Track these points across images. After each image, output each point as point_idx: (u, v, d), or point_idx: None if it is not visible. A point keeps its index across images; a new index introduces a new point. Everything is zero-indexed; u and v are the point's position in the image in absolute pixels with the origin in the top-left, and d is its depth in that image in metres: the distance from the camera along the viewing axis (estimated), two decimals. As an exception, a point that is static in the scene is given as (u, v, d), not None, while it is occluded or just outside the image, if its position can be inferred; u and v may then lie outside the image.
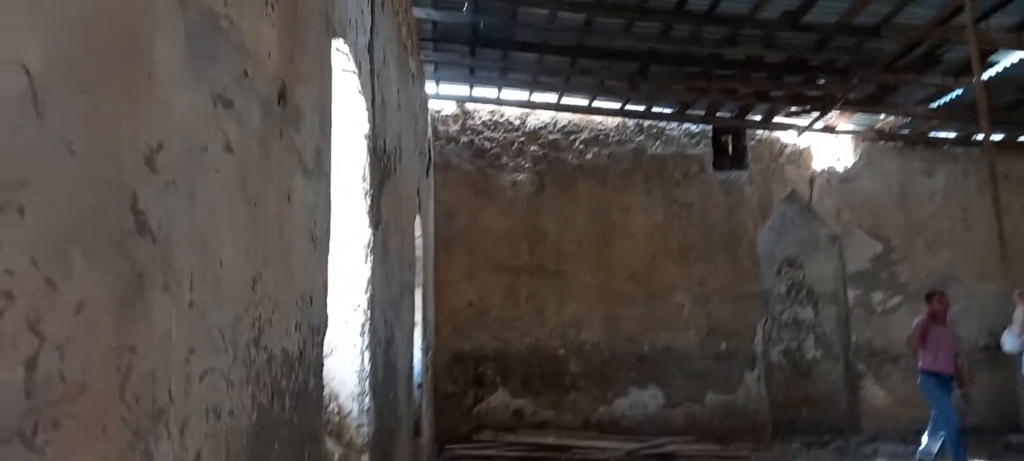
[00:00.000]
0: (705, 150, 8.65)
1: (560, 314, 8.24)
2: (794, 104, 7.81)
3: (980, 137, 7.94)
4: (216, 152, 1.39)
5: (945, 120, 7.89)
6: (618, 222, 8.47)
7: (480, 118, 8.45)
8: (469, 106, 8.45)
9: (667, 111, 8.43)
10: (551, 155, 8.49)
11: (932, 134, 8.49)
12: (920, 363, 6.66)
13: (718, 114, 8.34)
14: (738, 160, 8.61)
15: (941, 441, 6.48)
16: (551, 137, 8.53)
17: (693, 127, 8.65)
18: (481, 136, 8.43)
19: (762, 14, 5.77)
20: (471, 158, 8.42)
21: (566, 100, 8.31)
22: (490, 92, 8.21)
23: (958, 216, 8.56)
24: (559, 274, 8.30)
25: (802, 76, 6.96)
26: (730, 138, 8.62)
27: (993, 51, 6.08)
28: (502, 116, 8.49)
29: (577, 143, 8.56)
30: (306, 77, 2.11)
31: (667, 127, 8.69)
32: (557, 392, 8.15)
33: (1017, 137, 8.41)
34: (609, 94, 8.10)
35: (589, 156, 8.55)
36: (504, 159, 8.43)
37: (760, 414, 8.23)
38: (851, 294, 8.56)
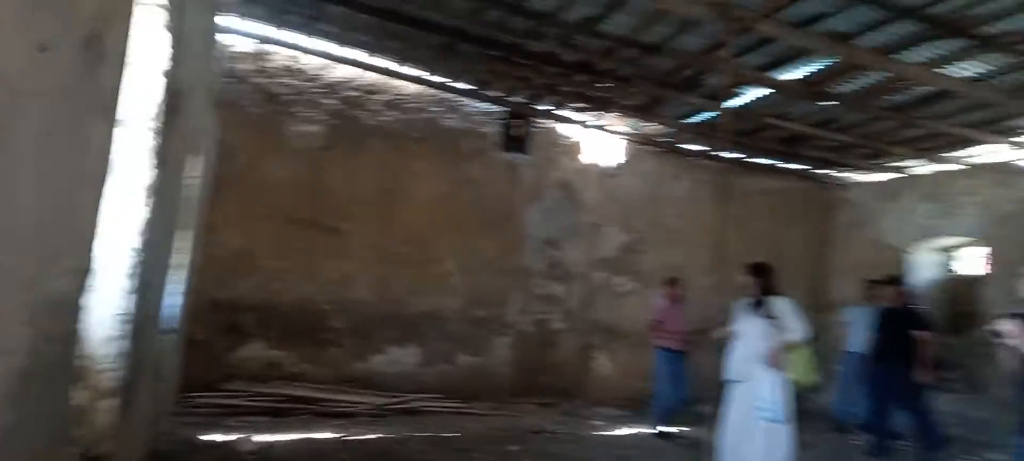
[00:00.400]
0: (495, 131, 9.10)
1: (332, 271, 8.42)
2: (579, 101, 8.53)
3: (718, 155, 9.23)
4: (29, 95, 1.40)
5: (696, 135, 9.05)
6: (405, 187, 8.77)
7: (278, 62, 8.06)
8: (268, 48, 8.00)
9: (467, 88, 8.69)
10: (346, 112, 8.49)
11: (684, 146, 9.57)
12: (657, 339, 7.64)
13: (511, 98, 8.77)
14: (522, 145, 9.26)
15: (672, 404, 7.45)
16: (348, 93, 8.55)
17: (488, 107, 9.03)
18: (276, 80, 8.17)
19: (565, 15, 6.25)
20: (261, 102, 8.16)
21: (371, 60, 8.19)
22: (294, 38, 7.86)
23: (695, 219, 9.86)
24: (337, 231, 8.42)
25: (589, 77, 7.55)
26: (518, 123, 9.10)
27: (741, 84, 7.00)
28: (301, 64, 8.18)
29: (374, 104, 8.57)
30: (114, 16, 2.03)
31: (463, 103, 8.93)
32: (316, 346, 8.34)
33: (745, 159, 9.80)
34: (415, 62, 8.16)
35: (385, 118, 8.75)
36: (296, 108, 8.26)
37: (504, 376, 9.02)
38: (597, 276, 9.56)
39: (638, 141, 10.07)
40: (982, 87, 6.75)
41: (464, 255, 9.22)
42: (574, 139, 9.81)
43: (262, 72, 8.33)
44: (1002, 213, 8.52)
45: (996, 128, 7.91)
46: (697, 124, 9.04)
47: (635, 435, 7.96)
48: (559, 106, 9.19)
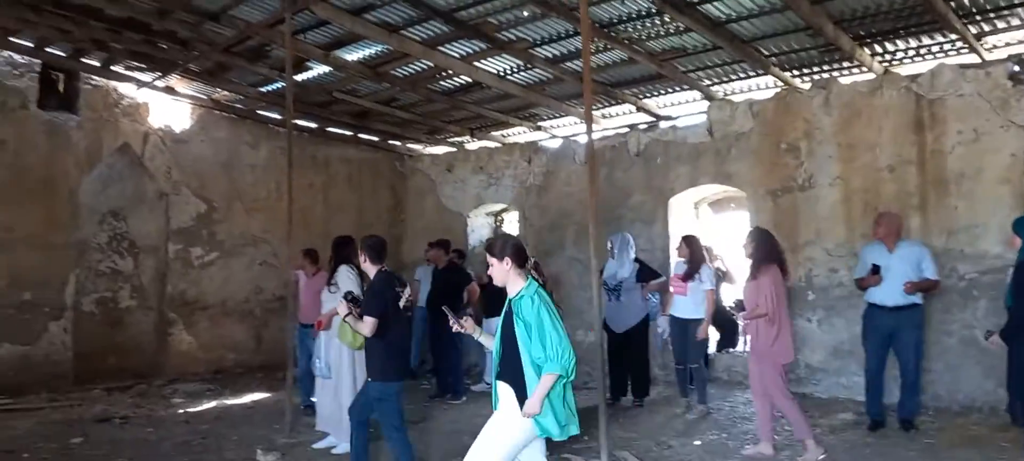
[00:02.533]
0: (29, 84, 7.95)
1: None
2: (134, 60, 7.87)
3: (296, 123, 9.44)
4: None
5: (270, 104, 9.10)
6: None
7: None
8: None
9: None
10: None
11: (260, 113, 9.52)
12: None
13: (49, 49, 7.68)
14: (68, 103, 8.31)
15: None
16: None
17: (17, 57, 7.74)
18: None
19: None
20: None
21: None
22: None
23: (273, 186, 9.92)
24: None
25: (143, 36, 7.05)
26: (61, 77, 8.01)
27: (308, 58, 7.24)
28: None
29: None
30: None
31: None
32: None
33: (325, 128, 10.17)
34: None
35: None
36: None
37: (62, 364, 8.17)
38: (172, 248, 9.20)
39: (209, 106, 9.71)
40: (504, 81, 8.11)
41: (-3, 230, 7.89)
42: (137, 101, 9.04)
43: None
44: (528, 184, 10.35)
45: (521, 115, 9.58)
46: (269, 93, 9.08)
47: (218, 407, 7.82)
48: (112, 62, 8.36)
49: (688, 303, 6.98)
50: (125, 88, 8.92)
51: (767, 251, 5.44)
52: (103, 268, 9.30)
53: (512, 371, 3.39)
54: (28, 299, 8.17)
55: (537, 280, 3.53)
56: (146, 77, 8.71)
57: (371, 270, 4.79)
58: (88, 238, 9.08)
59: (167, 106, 9.35)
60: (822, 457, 5.23)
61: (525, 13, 6.50)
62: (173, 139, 9.46)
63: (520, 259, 3.47)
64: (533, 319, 3.31)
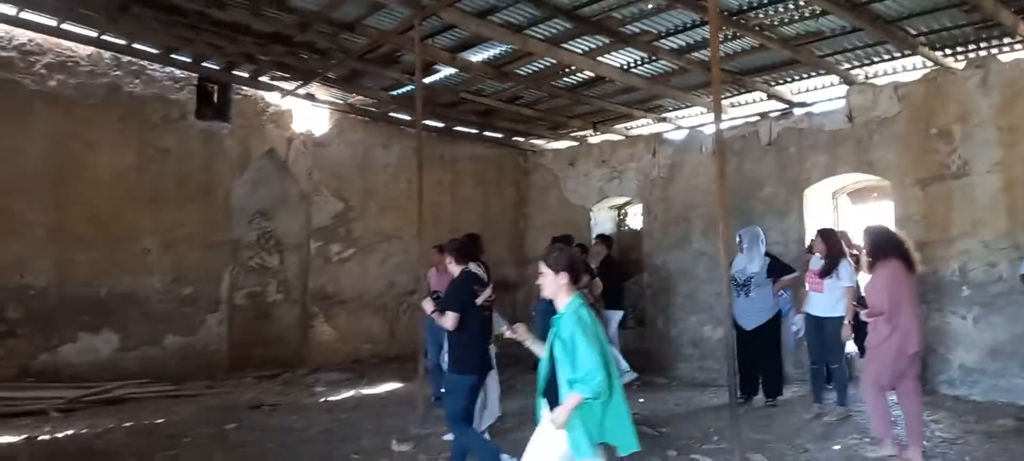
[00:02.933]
0: (188, 97, 8.81)
1: (-1, 255, 7.33)
2: (279, 70, 8.42)
3: (426, 124, 9.78)
4: None
5: (400, 106, 9.46)
6: (82, 159, 8.08)
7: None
8: None
9: (150, 51, 8.11)
10: (2, 76, 7.36)
11: (392, 115, 9.92)
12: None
13: (204, 64, 8.38)
14: (221, 112, 9.04)
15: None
16: (2, 54, 7.37)
17: (178, 72, 8.51)
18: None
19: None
20: None
21: (26, 16, 7.28)
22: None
23: (404, 185, 10.30)
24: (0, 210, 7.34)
25: (287, 48, 7.55)
26: (215, 89, 8.73)
27: (436, 62, 7.49)
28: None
29: (38, 66, 7.62)
30: None
31: (149, 67, 8.31)
32: (-13, 339, 7.29)
33: (452, 127, 10.47)
34: (83, 21, 7.41)
35: (52, 83, 7.83)
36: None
37: (218, 353, 8.86)
38: (313, 245, 9.70)
39: (345, 111, 10.24)
40: (629, 75, 8.02)
41: (162, 231, 8.75)
42: (282, 108, 9.70)
43: None
44: (651, 176, 10.18)
45: (645, 106, 9.44)
46: (400, 96, 9.45)
47: (356, 396, 8.26)
48: (259, 73, 9.01)
49: (825, 300, 6.61)
50: (271, 97, 9.59)
51: (880, 246, 5.32)
52: (253, 264, 10.04)
53: (552, 388, 3.35)
54: (189, 293, 8.97)
55: (586, 297, 3.43)
56: (289, 85, 9.32)
57: (455, 270, 5.12)
58: (240, 237, 9.84)
59: (308, 112, 9.96)
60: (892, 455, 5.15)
61: (650, 5, 6.40)
62: (313, 143, 10.07)
63: (575, 274, 3.39)
64: (568, 338, 3.24)
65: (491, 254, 10.11)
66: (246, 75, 9.16)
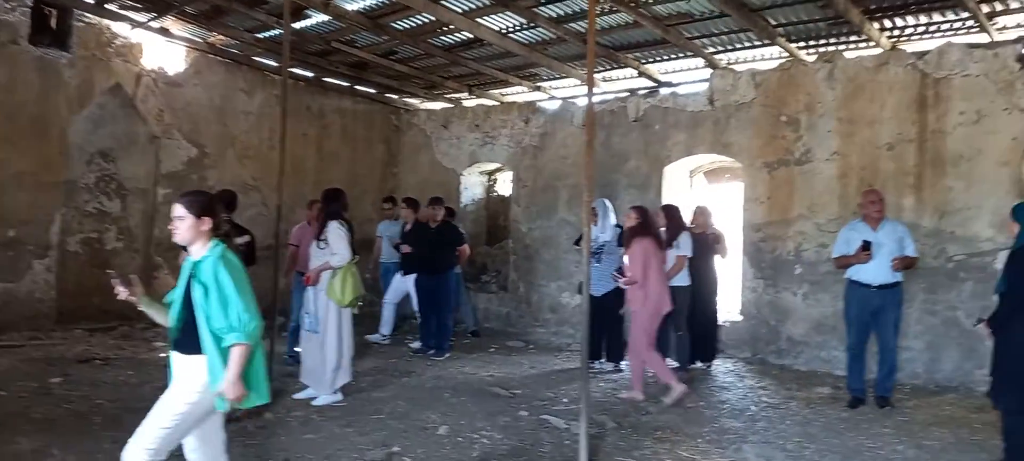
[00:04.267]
0: (21, 19, 7.87)
1: None
2: (129, -1, 7.70)
3: (293, 71, 9.36)
4: None
5: (266, 51, 8.98)
6: None
7: None
8: None
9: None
10: None
11: (256, 59, 9.40)
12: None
13: (41, -18, 7.53)
14: (60, 40, 8.18)
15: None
16: None
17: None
18: None
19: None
20: None
21: None
22: None
23: (267, 135, 9.83)
24: None
25: (139, -26, 6.94)
26: (54, 14, 7.85)
27: (308, 6, 7.12)
28: None
29: None
30: None
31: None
32: None
33: (322, 77, 10.06)
34: None
35: None
36: None
37: (45, 302, 8.16)
38: (161, 192, 9.12)
39: (204, 50, 9.56)
40: (507, 39, 8.01)
41: (-14, 168, 7.80)
42: (131, 41, 8.89)
43: None
44: (523, 144, 10.31)
45: (521, 73, 9.50)
46: (267, 40, 8.94)
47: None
48: (105, 1, 8.19)
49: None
50: (119, 27, 8.74)
51: (643, 225, 6.45)
52: (90, 209, 9.21)
53: (190, 341, 3.09)
54: (13, 236, 8.10)
55: (228, 243, 3.22)
56: (141, 17, 8.53)
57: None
58: (77, 178, 8.98)
59: (161, 48, 9.19)
60: (684, 390, 6.18)
61: (531, -31, 6.41)
62: (166, 82, 9.31)
63: (215, 219, 3.19)
64: (214, 283, 3.01)
65: (357, 212, 9.87)
66: (91, 1, 8.29)
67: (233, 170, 10.03)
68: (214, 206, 3.25)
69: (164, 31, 8.96)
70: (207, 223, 3.16)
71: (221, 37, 9.21)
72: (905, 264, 6.01)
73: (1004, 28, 6.74)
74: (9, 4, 7.91)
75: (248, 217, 10.12)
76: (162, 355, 7.44)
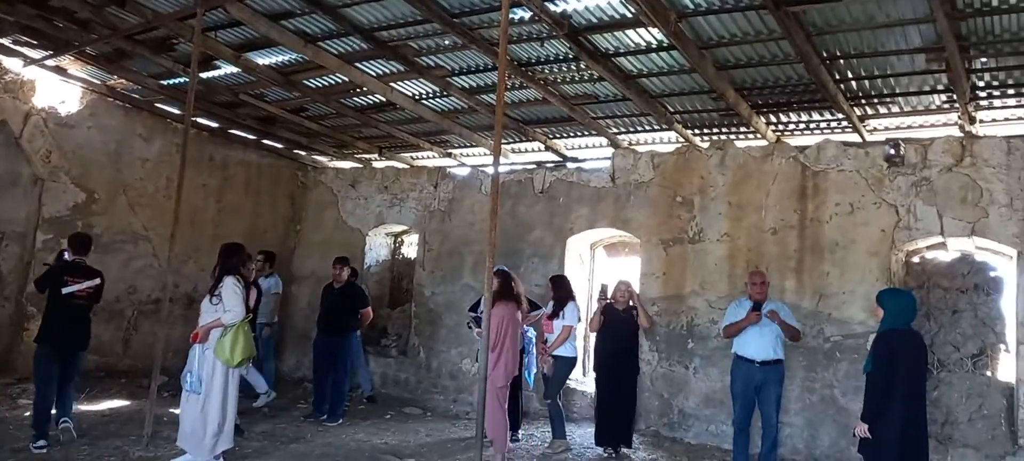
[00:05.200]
0: None
1: None
2: (24, 34, 7.35)
3: (197, 120, 9.13)
4: None
5: (170, 98, 8.75)
6: None
7: None
8: None
9: None
10: None
11: (158, 106, 9.13)
12: None
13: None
14: (-61, 68, 7.48)
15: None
16: None
17: None
18: None
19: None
20: None
21: None
22: None
23: (163, 182, 9.54)
24: None
25: (37, 11, 6.63)
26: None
27: (217, 57, 7.03)
28: None
29: None
30: None
31: None
32: None
33: (227, 129, 9.89)
34: None
35: None
36: None
37: None
38: (41, 238, 8.64)
39: (103, 93, 9.19)
40: (420, 105, 8.14)
41: None
42: (23, 77, 8.44)
43: None
44: (431, 208, 10.37)
45: (432, 139, 9.63)
46: (171, 87, 8.70)
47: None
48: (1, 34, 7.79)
49: (553, 340, 7.30)
50: (10, 62, 8.31)
51: (504, 289, 6.41)
52: (-42, 252, 8.55)
53: None
54: None
55: None
56: (35, 54, 8.14)
57: None
58: (-58, 218, 8.35)
59: (55, 87, 8.77)
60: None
61: (446, 42, 6.58)
62: (57, 122, 8.86)
63: None
64: None
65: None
66: (-20, 33, 7.87)
67: (124, 217, 9.57)
68: None
69: (60, 70, 8.57)
70: None
71: (122, 81, 8.89)
72: (791, 331, 6.41)
73: (875, 130, 7.44)
74: None
75: (135, 268, 9.68)
76: (26, 415, 6.86)
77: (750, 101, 7.12)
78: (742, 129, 7.92)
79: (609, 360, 7.18)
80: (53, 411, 6.22)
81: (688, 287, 8.21)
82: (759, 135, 7.86)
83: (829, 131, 7.65)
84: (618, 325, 7.18)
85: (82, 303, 6.40)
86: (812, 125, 7.61)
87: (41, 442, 5.98)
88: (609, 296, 7.34)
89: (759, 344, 6.34)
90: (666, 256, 8.39)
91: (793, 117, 7.48)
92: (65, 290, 6.23)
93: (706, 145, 8.33)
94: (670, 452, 7.43)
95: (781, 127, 7.77)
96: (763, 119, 7.56)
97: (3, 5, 6.88)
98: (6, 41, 7.95)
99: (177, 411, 6.05)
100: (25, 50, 8.15)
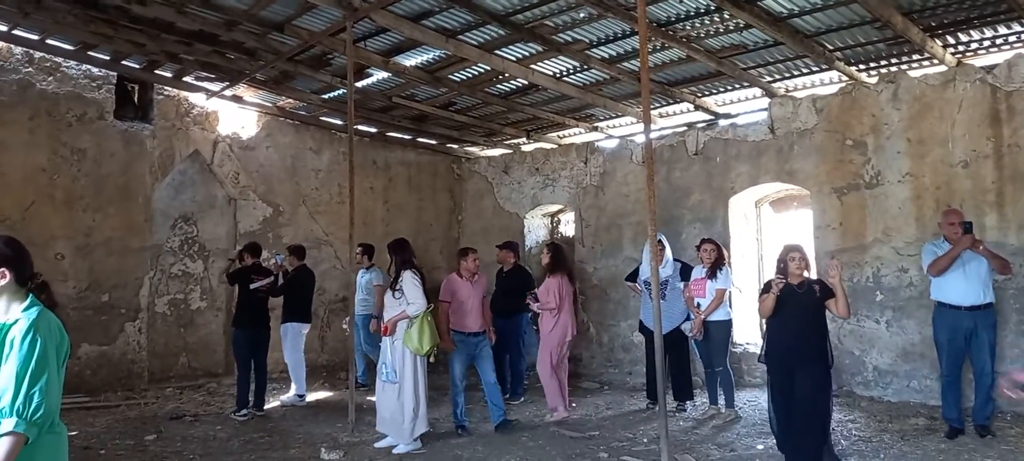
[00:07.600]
0: (107, 96, 8.41)
1: None
2: (204, 70, 8.16)
3: (358, 128, 9.66)
4: None
5: (332, 110, 9.29)
6: None
7: None
8: None
9: (66, 47, 7.72)
10: None
11: (323, 119, 9.75)
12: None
13: (124, 62, 8.04)
14: (143, 112, 8.69)
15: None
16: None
17: (95, 70, 8.13)
18: None
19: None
20: None
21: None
22: None
23: (336, 190, 10.13)
24: None
25: (212, 47, 7.31)
26: (136, 89, 8.37)
27: (369, 65, 7.40)
28: None
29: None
30: None
31: (64, 64, 7.94)
32: None
33: (384, 133, 10.36)
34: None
35: (-46, 78, 7.27)
36: None
37: (137, 363, 8.50)
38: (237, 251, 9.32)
39: (274, 114, 10.00)
40: (561, 83, 8.10)
41: (77, 235, 8.32)
42: (207, 109, 9.38)
43: None
44: (584, 184, 10.31)
45: (577, 115, 9.55)
46: (332, 100, 9.28)
47: (283, 405, 8.09)
48: (183, 72, 8.69)
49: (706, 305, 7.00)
50: (195, 98, 9.27)
51: (556, 262, 7.31)
52: (175, 271, 9.66)
53: None
54: (106, 301, 8.55)
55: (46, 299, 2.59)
56: (215, 87, 9.03)
57: None
58: (162, 242, 9.46)
59: (235, 114, 9.68)
60: (567, 413, 7.07)
61: (582, 14, 6.47)
62: (240, 146, 9.78)
63: (20, 273, 2.51)
64: (12, 350, 2.35)
65: (426, 260, 10.02)
66: (169, 75, 8.81)
67: (306, 226, 10.38)
68: (15, 256, 2.53)
69: (237, 98, 9.44)
70: (6, 277, 2.48)
71: (290, 100, 9.62)
72: (1001, 265, 5.74)
73: (1079, 34, 6.43)
74: (95, 83, 8.49)
75: (322, 271, 10.48)
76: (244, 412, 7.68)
77: (921, 24, 6.37)
78: (915, 57, 7.12)
79: (788, 357, 4.93)
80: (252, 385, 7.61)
81: (870, 236, 7.55)
82: (936, 61, 7.03)
83: (1020, 44, 6.68)
84: (799, 310, 4.87)
85: (262, 295, 7.77)
86: (998, 40, 6.68)
87: (243, 412, 7.42)
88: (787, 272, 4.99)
89: (965, 287, 5.70)
90: (841, 205, 7.77)
91: (975, 35, 6.61)
92: (252, 287, 7.64)
93: (874, 80, 7.59)
94: (869, 412, 6.86)
95: (962, 48, 6.89)
96: (939, 42, 6.75)
97: (184, 46, 7.68)
98: (190, 79, 8.88)
99: (374, 399, 6.55)
100: (206, 84, 9.05)
